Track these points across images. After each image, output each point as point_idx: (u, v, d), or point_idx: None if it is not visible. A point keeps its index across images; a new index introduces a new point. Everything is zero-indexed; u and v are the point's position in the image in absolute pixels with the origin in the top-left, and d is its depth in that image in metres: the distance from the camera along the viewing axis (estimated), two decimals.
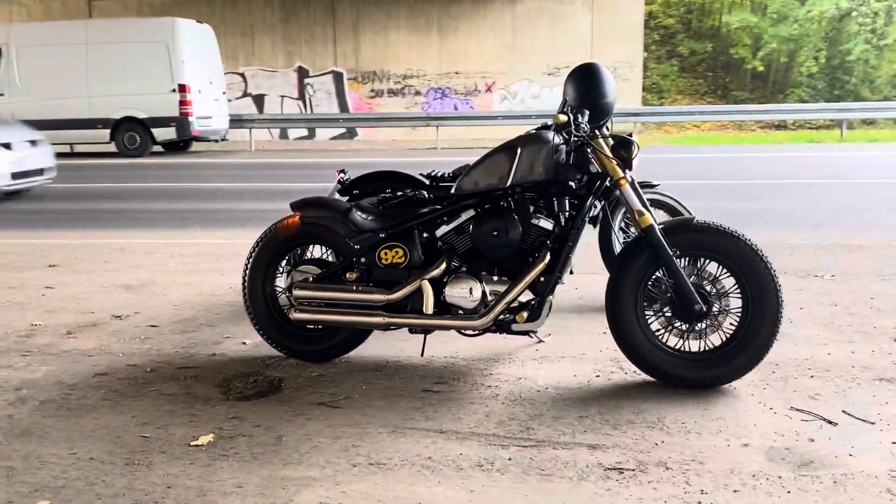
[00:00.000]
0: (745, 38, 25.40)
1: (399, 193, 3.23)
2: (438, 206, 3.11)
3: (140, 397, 2.94)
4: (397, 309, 3.05)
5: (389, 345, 3.47)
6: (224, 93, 16.02)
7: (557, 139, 2.89)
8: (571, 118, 2.87)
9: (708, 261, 2.93)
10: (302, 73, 24.10)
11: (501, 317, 2.95)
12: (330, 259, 3.34)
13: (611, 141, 3.12)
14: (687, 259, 2.94)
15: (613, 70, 22.79)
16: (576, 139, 2.93)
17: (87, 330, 3.80)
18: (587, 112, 2.96)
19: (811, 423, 2.60)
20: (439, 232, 3.11)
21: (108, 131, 14.45)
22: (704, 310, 2.86)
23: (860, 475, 2.24)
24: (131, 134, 14.56)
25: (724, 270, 2.91)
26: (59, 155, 16.56)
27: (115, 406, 2.86)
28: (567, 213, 2.97)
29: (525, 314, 2.90)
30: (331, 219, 3.18)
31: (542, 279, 2.92)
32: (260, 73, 24.06)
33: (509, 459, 2.38)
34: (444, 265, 3.02)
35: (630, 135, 3.96)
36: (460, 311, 3.00)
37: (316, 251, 3.41)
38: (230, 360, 3.35)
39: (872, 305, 3.94)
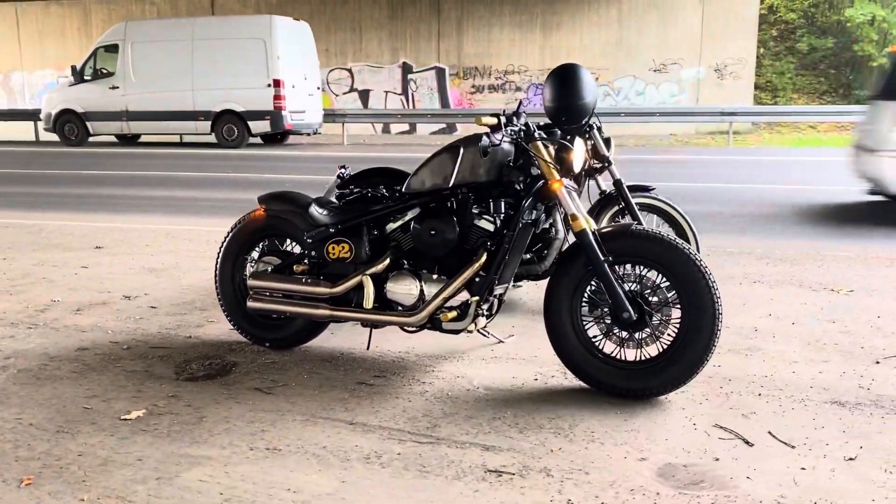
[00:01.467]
0: (871, 34, 23.76)
1: (356, 190, 3.31)
2: (391, 204, 3.17)
3: (104, 372, 3.18)
4: (343, 302, 3.15)
5: (353, 338, 3.57)
6: (318, 88, 16.57)
7: (488, 140, 2.87)
8: (502, 121, 2.86)
9: (648, 269, 2.86)
10: (406, 69, 24.68)
11: (439, 315, 2.98)
12: (296, 252, 3.47)
13: (600, 141, 3.07)
14: (625, 266, 2.88)
15: (724, 67, 22.05)
16: (509, 139, 2.91)
17: (95, 308, 4.11)
18: (523, 115, 2.95)
19: (728, 441, 2.50)
20: (389, 229, 3.17)
21: (209, 123, 15.30)
22: (634, 318, 2.79)
23: (744, 498, 2.14)
24: (230, 126, 15.34)
25: (664, 280, 2.82)
26: (169, 144, 17.76)
27: (77, 378, 3.10)
28: (504, 215, 2.96)
29: (452, 314, 2.92)
30: (291, 212, 3.31)
31: (477, 280, 2.94)
32: (366, 69, 24.78)
33: (398, 454, 2.43)
34: (387, 261, 3.09)
35: (608, 139, 3.89)
36: (400, 308, 3.06)
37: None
38: (201, 342, 3.54)
39: (874, 325, 3.68)
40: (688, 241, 4.00)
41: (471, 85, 24.40)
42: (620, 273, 2.88)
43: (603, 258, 2.80)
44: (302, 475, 2.30)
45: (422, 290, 3.01)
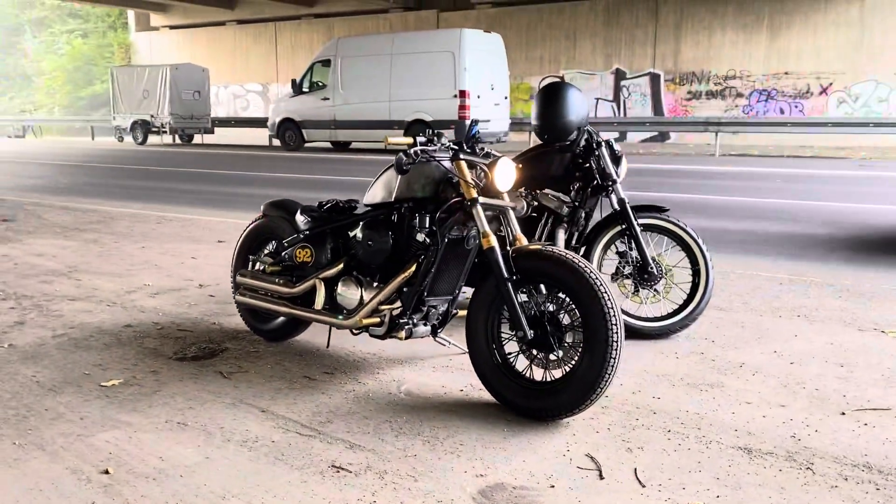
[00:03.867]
0: None
1: (330, 200, 3.59)
2: (350, 215, 3.42)
3: (126, 346, 3.77)
4: (304, 302, 3.45)
5: (344, 336, 3.82)
6: (506, 97, 16.96)
7: (404, 158, 2.98)
8: (419, 140, 2.98)
9: (558, 291, 2.84)
10: (619, 76, 24.43)
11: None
12: None
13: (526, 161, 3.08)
14: (538, 286, 2.88)
15: None
16: (426, 158, 3.02)
17: (169, 293, 4.80)
18: (443, 134, 3.05)
19: (582, 472, 2.44)
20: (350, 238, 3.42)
21: (402, 132, 16.35)
22: (530, 337, 2.80)
23: None
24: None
25: (570, 303, 2.79)
26: (373, 151, 19.16)
27: (103, 349, 3.71)
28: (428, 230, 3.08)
29: (374, 320, 3.10)
30: (282, 218, 3.68)
31: (405, 290, 3.09)
32: (578, 76, 24.89)
33: (273, 441, 2.69)
34: (339, 267, 3.34)
35: (620, 157, 3.79)
36: (345, 311, 3.29)
37: None
38: (219, 329, 4.03)
39: (888, 375, 3.23)
40: (697, 265, 3.77)
41: (686, 91, 23.52)
42: (538, 294, 2.89)
43: (507, 276, 2.83)
44: (182, 448, 2.64)
45: (362, 296, 3.22)
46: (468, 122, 3.16)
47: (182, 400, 3.07)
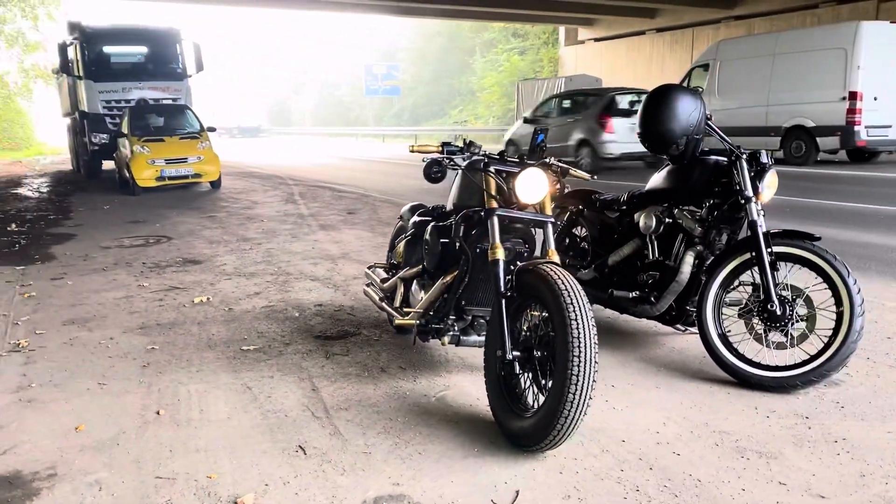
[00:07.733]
0: None
1: (431, 206, 3.71)
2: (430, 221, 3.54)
3: (297, 320, 4.42)
4: (392, 298, 3.67)
5: None
6: None
7: (434, 167, 2.98)
8: (448, 149, 2.96)
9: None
10: None
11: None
12: None
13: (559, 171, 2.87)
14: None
15: None
16: (457, 167, 2.98)
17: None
18: (480, 145, 2.98)
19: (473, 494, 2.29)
20: None
21: (778, 139, 14.78)
22: (510, 358, 2.64)
23: None
24: (798, 142, 14.51)
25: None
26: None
27: (279, 321, 4.41)
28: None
29: (406, 322, 3.19)
30: (408, 221, 3.95)
31: (445, 297, 3.14)
32: None
33: (286, 416, 3.02)
34: (416, 269, 3.49)
35: (763, 172, 3.25)
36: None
37: None
38: (374, 317, 4.44)
39: None
40: (842, 306, 2.98)
41: None
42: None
43: (502, 291, 2.71)
44: (223, 406, 3.14)
45: (422, 298, 3.34)
46: (540, 136, 3.01)
47: (273, 370, 3.57)
